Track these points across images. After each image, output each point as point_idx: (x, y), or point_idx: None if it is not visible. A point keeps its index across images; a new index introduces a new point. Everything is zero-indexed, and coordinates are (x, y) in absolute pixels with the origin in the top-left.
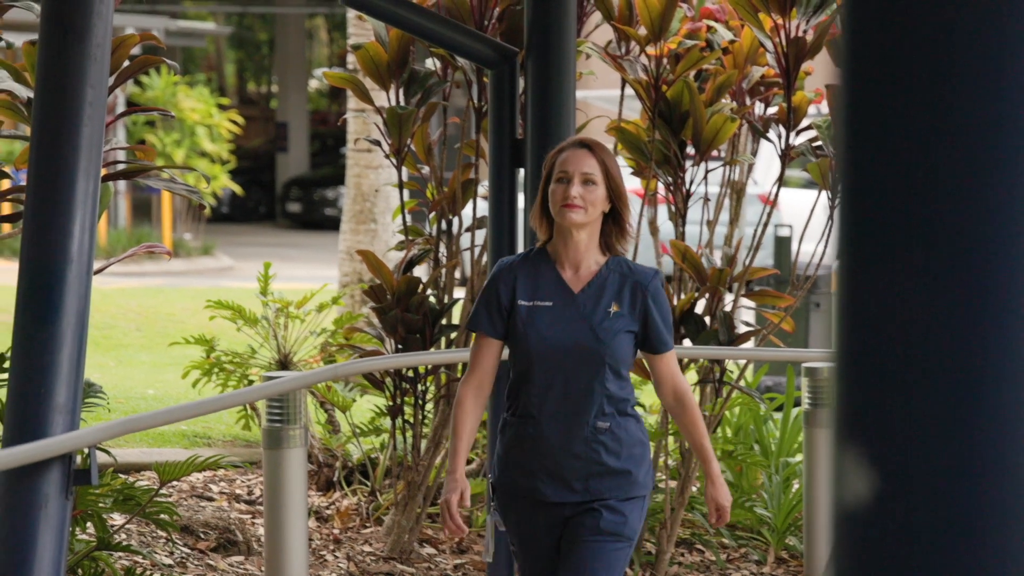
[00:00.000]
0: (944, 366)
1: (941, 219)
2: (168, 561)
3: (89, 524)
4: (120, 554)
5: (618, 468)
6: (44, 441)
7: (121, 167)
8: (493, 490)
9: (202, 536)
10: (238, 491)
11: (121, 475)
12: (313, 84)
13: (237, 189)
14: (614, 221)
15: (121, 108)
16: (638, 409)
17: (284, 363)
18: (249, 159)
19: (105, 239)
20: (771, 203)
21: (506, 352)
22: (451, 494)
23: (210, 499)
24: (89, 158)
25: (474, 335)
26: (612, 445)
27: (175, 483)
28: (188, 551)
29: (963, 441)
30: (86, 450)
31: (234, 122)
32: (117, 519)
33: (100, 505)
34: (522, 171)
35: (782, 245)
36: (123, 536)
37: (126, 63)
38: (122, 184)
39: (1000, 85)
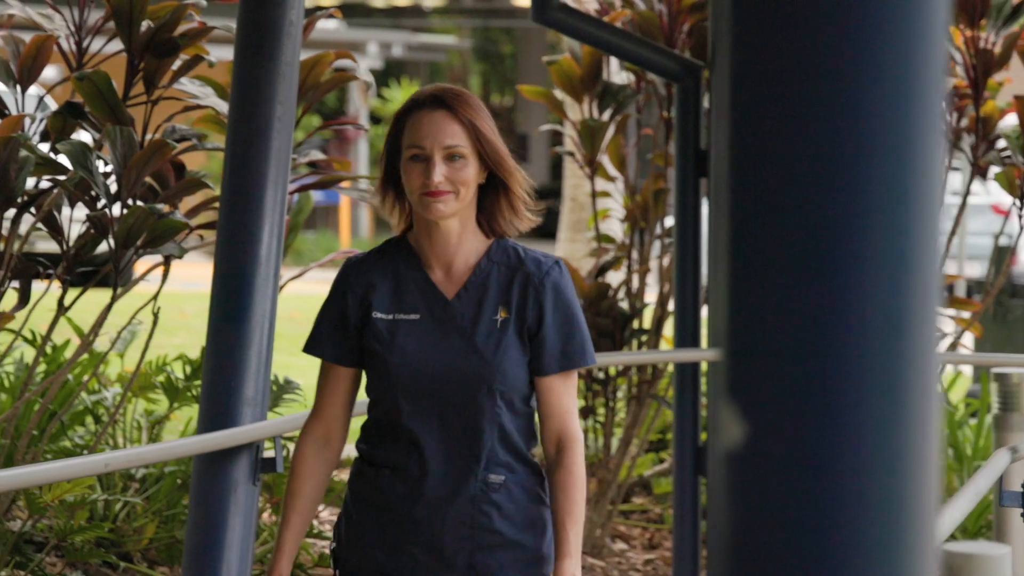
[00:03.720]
0: (796, 347)
1: (793, 236)
2: None
3: None
4: (321, 542)
5: (515, 539)
6: (232, 430)
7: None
8: (335, 562)
9: None
10: None
11: None
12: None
13: None
14: (498, 192)
15: (364, 122)
16: None
17: None
18: None
19: (348, 248)
20: (1006, 213)
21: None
22: None
23: None
24: (278, 169)
25: (323, 364)
26: (508, 507)
27: None
28: None
29: (809, 396)
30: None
31: None
32: (324, 514)
33: None
34: (704, 181)
35: (1002, 254)
36: (327, 526)
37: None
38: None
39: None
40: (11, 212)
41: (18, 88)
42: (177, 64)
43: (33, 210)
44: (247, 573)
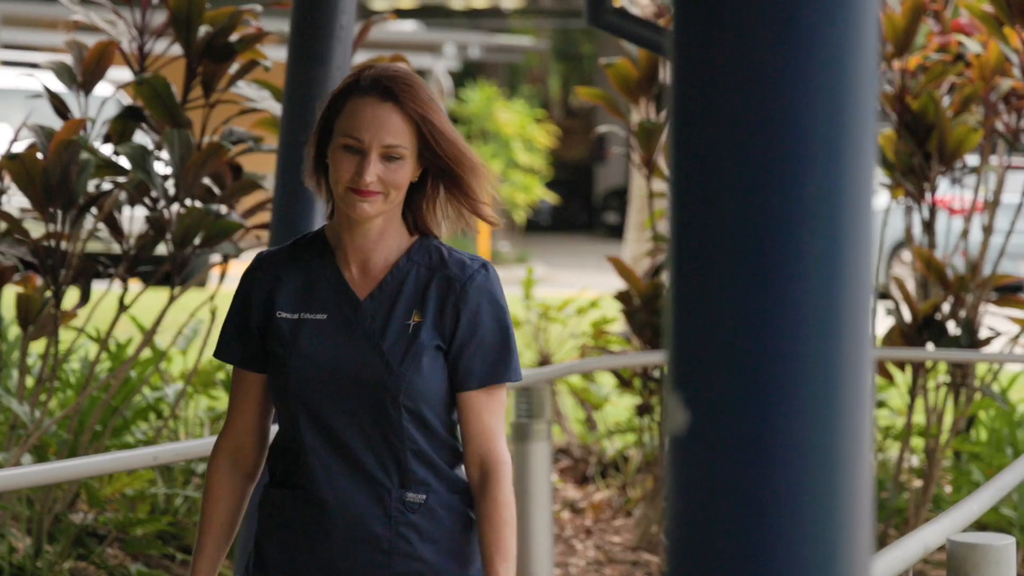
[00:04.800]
0: (734, 343)
1: (731, 240)
2: None
3: None
4: None
5: (439, 567)
6: None
7: None
8: None
9: None
10: None
11: None
12: None
13: (554, 200)
14: (446, 188)
15: None
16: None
17: (545, 363)
18: (569, 171)
19: None
20: None
21: None
22: None
23: None
24: None
25: (234, 370)
26: (429, 529)
27: None
28: None
29: (745, 387)
30: None
31: (552, 134)
32: None
33: None
34: None
35: None
36: None
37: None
38: None
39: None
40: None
41: (81, 92)
42: (234, 68)
43: (94, 211)
44: None
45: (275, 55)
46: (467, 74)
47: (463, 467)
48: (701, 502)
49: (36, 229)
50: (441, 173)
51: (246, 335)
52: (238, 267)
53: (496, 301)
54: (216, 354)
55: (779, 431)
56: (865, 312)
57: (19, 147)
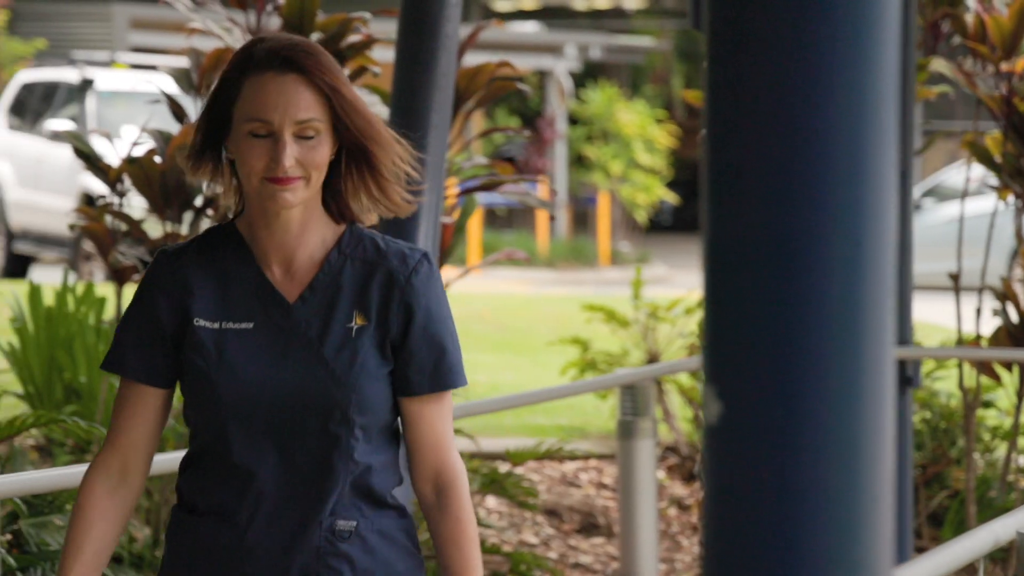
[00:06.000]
0: (762, 338)
1: (760, 241)
2: (534, 540)
3: None
4: (484, 531)
5: None
6: None
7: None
8: None
9: (567, 519)
10: (606, 480)
11: (500, 463)
12: None
13: (675, 200)
14: (357, 169)
15: (561, 124)
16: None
17: (652, 361)
18: (690, 171)
19: (547, 249)
20: None
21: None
22: None
23: (579, 487)
24: (434, 174)
25: (123, 383)
26: (364, 561)
27: (548, 471)
28: (553, 532)
29: (774, 380)
30: None
31: (673, 134)
32: (492, 503)
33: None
34: None
35: None
36: (495, 517)
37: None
38: (563, 197)
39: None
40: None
41: (197, 97)
42: (345, 74)
43: (210, 212)
44: None
45: (386, 56)
46: (588, 75)
47: (400, 487)
48: (733, 487)
49: (155, 230)
50: (354, 150)
51: (148, 345)
52: None
53: (441, 296)
54: (106, 366)
55: (804, 421)
56: (886, 312)
57: (139, 151)
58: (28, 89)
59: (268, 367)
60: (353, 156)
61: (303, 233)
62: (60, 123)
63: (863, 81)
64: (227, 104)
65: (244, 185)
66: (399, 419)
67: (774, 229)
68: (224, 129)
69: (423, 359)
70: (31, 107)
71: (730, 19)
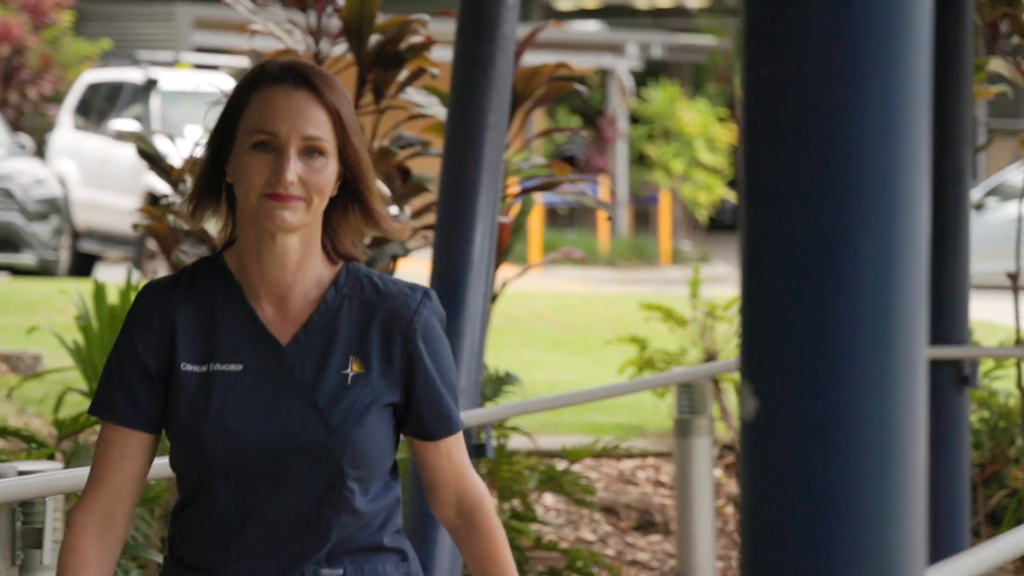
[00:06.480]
0: (797, 337)
1: (794, 242)
2: (591, 537)
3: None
4: (542, 528)
5: None
6: None
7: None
8: None
9: (624, 517)
10: (663, 478)
11: (555, 460)
12: None
13: (735, 199)
14: (350, 205)
15: (623, 123)
16: None
17: (710, 361)
18: None
19: (609, 248)
20: None
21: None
22: None
23: (636, 485)
24: (490, 175)
25: (108, 426)
26: None
27: (605, 469)
28: (610, 530)
29: (807, 377)
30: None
31: (735, 133)
32: (549, 500)
33: (524, 483)
34: None
35: None
36: (552, 514)
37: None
38: (624, 196)
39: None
40: None
41: None
42: (403, 75)
43: None
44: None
45: (444, 56)
46: (650, 73)
47: (387, 530)
48: (768, 481)
49: (216, 229)
50: (347, 183)
51: (134, 389)
52: (406, 266)
53: (443, 336)
54: (93, 410)
55: (838, 417)
56: (918, 310)
57: (200, 150)
58: (93, 89)
59: (256, 413)
60: (344, 191)
61: (299, 270)
62: (124, 123)
63: (895, 86)
64: (232, 119)
65: (241, 205)
66: (414, 456)
67: (808, 229)
68: (228, 148)
69: (439, 405)
70: (96, 107)
71: (765, 24)
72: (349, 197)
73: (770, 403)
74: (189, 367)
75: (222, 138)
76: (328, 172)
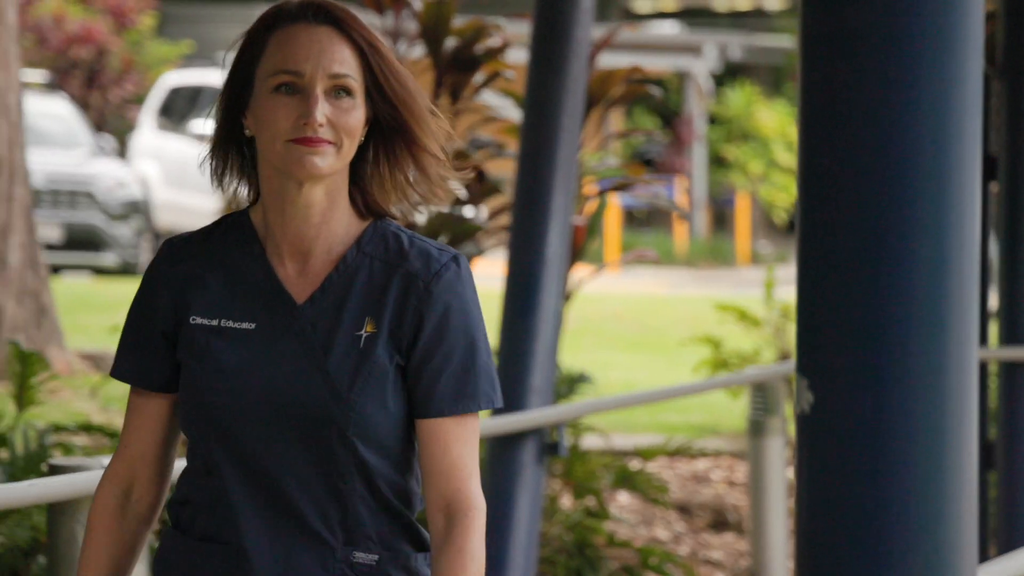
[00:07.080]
0: (852, 335)
1: (849, 247)
2: (665, 536)
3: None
4: (616, 526)
5: None
6: (519, 415)
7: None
8: None
9: (698, 516)
10: (737, 478)
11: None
12: None
13: None
14: (390, 151)
15: (701, 124)
16: None
17: (783, 360)
18: None
19: (686, 249)
20: None
21: None
22: None
23: (710, 484)
24: (564, 176)
25: (131, 391)
26: None
27: (679, 468)
28: (684, 529)
29: (862, 373)
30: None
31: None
32: (623, 499)
33: (598, 482)
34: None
35: None
36: (626, 513)
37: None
38: (702, 197)
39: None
40: None
41: None
42: (479, 78)
43: None
44: (533, 548)
45: (519, 58)
46: (729, 75)
47: (413, 512)
48: (823, 469)
49: None
50: (388, 124)
51: (145, 345)
52: (480, 266)
53: (466, 306)
54: (114, 372)
55: (891, 411)
56: (970, 310)
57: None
58: (175, 91)
59: (261, 373)
60: (383, 132)
61: (324, 225)
62: (205, 125)
63: (949, 89)
64: (249, 65)
65: (265, 155)
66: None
67: (863, 230)
68: (243, 100)
69: (438, 377)
70: (178, 109)
71: (822, 26)
72: (390, 137)
73: (826, 398)
74: (198, 320)
75: (236, 89)
76: (357, 113)
